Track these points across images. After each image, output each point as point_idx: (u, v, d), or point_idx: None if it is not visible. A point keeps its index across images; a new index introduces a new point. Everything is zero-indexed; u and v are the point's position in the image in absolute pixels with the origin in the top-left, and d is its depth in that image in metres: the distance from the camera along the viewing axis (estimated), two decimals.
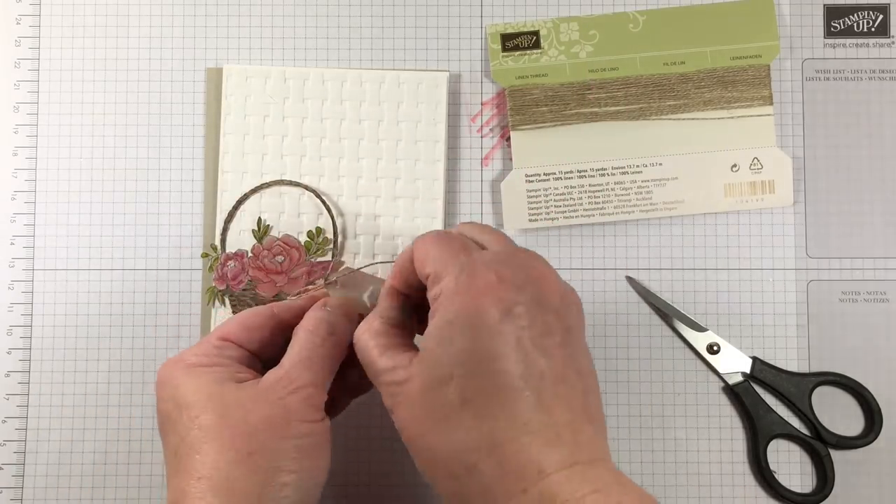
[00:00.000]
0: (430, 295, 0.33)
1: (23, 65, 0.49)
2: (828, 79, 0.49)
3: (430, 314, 0.33)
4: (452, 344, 0.31)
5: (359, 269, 0.42)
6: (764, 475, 0.46)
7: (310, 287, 0.41)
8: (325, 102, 0.48)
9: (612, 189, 0.48)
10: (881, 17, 0.49)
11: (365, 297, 0.38)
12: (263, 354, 0.38)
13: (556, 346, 0.31)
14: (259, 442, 0.32)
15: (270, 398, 0.34)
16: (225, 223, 0.47)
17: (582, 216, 0.48)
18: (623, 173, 0.48)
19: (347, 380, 0.39)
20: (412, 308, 0.37)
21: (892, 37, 0.49)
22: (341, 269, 0.40)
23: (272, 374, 0.35)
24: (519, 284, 0.31)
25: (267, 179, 0.47)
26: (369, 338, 0.35)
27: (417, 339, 0.35)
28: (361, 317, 0.37)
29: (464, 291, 0.31)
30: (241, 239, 0.47)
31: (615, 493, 0.29)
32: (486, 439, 0.30)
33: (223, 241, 0.47)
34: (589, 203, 0.48)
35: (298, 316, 0.38)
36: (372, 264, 0.42)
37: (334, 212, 0.47)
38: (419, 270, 0.34)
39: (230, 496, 0.32)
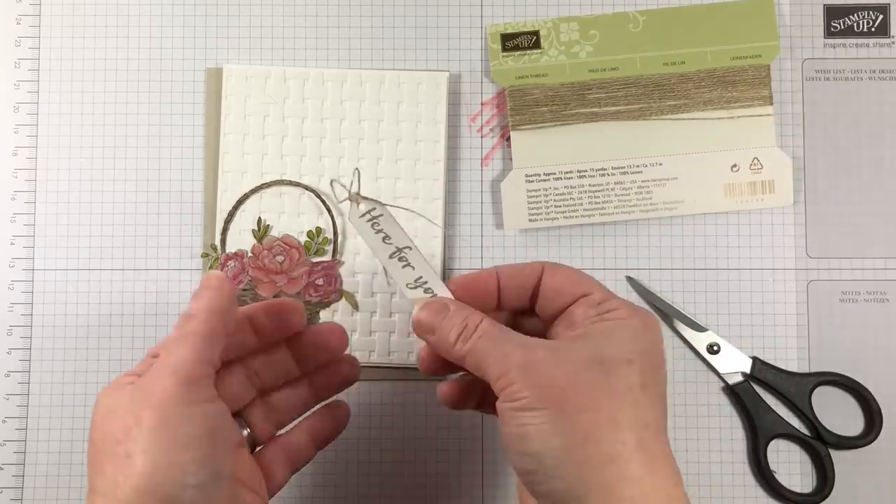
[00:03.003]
0: (591, 309, 0.35)
1: (23, 65, 0.49)
2: (828, 79, 0.49)
3: (588, 317, 0.35)
4: (638, 340, 0.34)
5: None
6: (764, 475, 0.46)
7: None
8: (325, 102, 0.48)
9: (612, 189, 0.48)
10: (881, 17, 0.49)
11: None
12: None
13: None
14: (105, 450, 0.32)
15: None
16: (225, 223, 0.47)
17: (582, 216, 0.48)
18: (623, 173, 0.48)
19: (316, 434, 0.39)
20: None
21: (892, 37, 0.49)
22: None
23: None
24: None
25: (267, 179, 0.47)
26: (490, 321, 0.35)
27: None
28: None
29: (644, 314, 0.35)
30: (240, 239, 0.47)
31: None
32: (654, 423, 0.32)
33: (223, 241, 0.47)
34: (589, 203, 0.48)
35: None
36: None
37: (334, 212, 0.47)
38: (565, 287, 0.36)
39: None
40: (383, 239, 0.39)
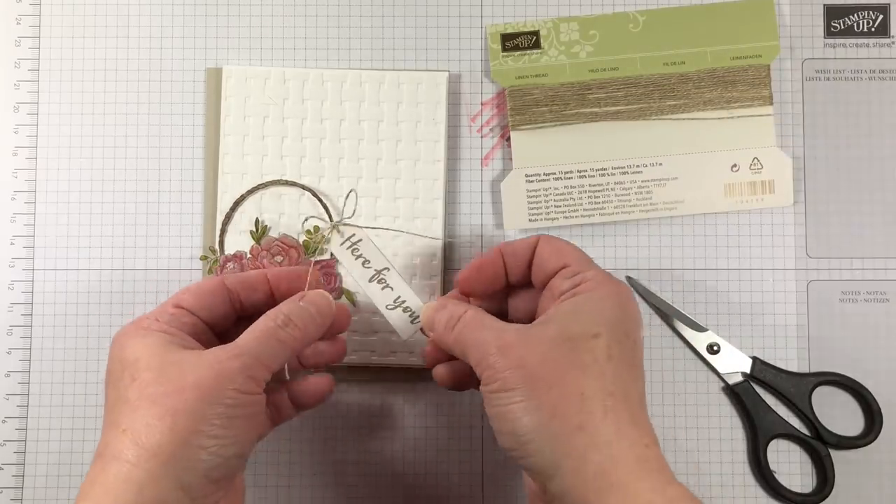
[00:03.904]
0: (571, 279, 0.38)
1: (23, 65, 0.49)
2: (828, 79, 0.49)
3: (565, 290, 0.37)
4: (605, 311, 0.36)
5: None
6: (764, 475, 0.46)
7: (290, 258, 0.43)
8: (325, 103, 0.48)
9: (612, 189, 0.48)
10: (881, 17, 0.49)
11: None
12: (216, 326, 0.40)
13: None
14: (185, 402, 0.33)
15: (210, 361, 0.35)
16: (223, 224, 0.47)
17: (582, 216, 0.48)
18: (623, 173, 0.48)
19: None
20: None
21: (892, 37, 0.49)
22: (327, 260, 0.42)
23: (221, 346, 0.36)
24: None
25: (266, 180, 0.47)
26: (474, 311, 0.39)
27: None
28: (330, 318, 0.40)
29: (614, 283, 0.37)
30: (240, 240, 0.47)
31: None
32: (621, 390, 0.35)
33: (221, 242, 0.47)
34: (589, 203, 0.48)
35: (248, 288, 0.40)
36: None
37: (333, 212, 0.47)
38: (549, 259, 0.39)
39: (146, 450, 0.33)
40: (363, 263, 0.43)
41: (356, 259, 0.43)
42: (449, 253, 0.48)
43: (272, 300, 0.40)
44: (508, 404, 0.34)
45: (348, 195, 0.46)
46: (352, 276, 0.44)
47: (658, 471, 0.33)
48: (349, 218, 0.45)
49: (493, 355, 0.35)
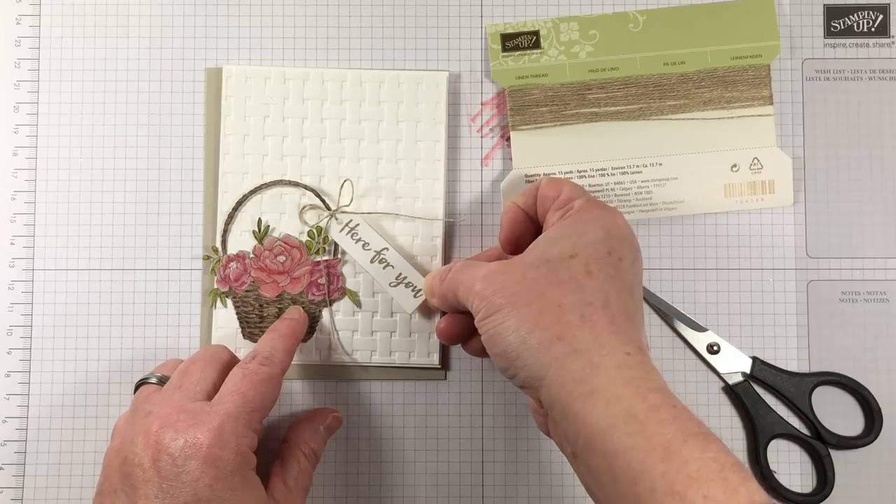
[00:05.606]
0: (560, 209, 0.40)
1: (23, 65, 0.49)
2: (828, 79, 0.49)
3: (554, 222, 0.39)
4: (585, 234, 0.37)
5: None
6: (764, 475, 0.46)
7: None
8: (325, 103, 0.48)
9: (612, 189, 0.48)
10: (881, 17, 0.49)
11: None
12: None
13: None
14: (162, 468, 0.37)
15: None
16: (225, 224, 0.47)
17: None
18: (623, 173, 0.48)
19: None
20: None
21: (892, 37, 0.49)
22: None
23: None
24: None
25: (267, 180, 0.47)
26: (462, 261, 0.42)
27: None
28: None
29: (601, 209, 0.39)
30: (242, 240, 0.47)
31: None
32: (600, 300, 0.36)
33: (224, 242, 0.47)
34: None
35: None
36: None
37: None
38: (551, 191, 0.41)
39: None
40: (363, 246, 0.45)
41: (356, 243, 0.45)
42: (449, 246, 0.48)
43: None
44: (495, 326, 0.36)
45: (343, 184, 0.47)
46: (355, 258, 0.46)
47: (640, 378, 0.34)
48: (346, 206, 0.46)
49: (477, 284, 0.37)
